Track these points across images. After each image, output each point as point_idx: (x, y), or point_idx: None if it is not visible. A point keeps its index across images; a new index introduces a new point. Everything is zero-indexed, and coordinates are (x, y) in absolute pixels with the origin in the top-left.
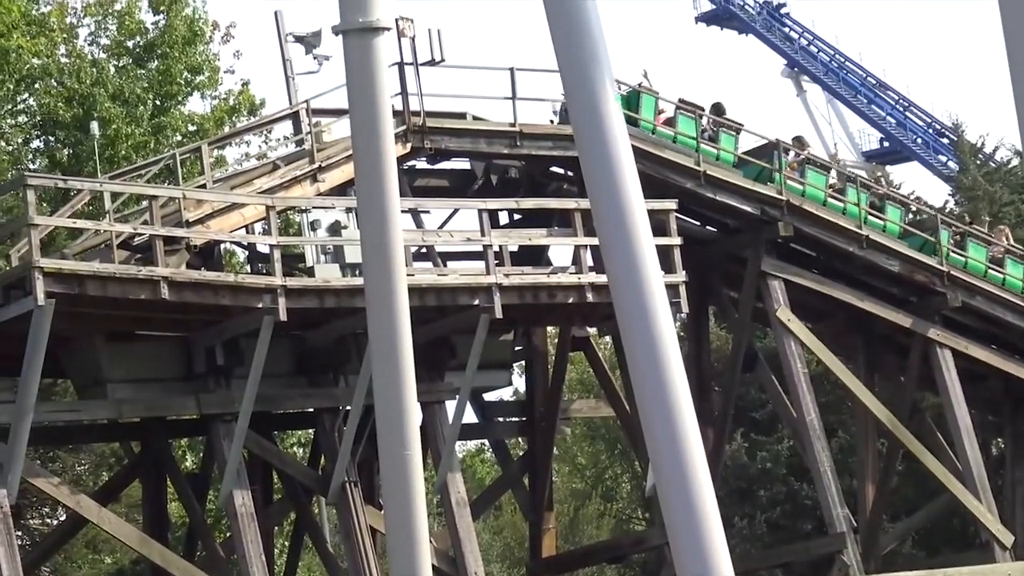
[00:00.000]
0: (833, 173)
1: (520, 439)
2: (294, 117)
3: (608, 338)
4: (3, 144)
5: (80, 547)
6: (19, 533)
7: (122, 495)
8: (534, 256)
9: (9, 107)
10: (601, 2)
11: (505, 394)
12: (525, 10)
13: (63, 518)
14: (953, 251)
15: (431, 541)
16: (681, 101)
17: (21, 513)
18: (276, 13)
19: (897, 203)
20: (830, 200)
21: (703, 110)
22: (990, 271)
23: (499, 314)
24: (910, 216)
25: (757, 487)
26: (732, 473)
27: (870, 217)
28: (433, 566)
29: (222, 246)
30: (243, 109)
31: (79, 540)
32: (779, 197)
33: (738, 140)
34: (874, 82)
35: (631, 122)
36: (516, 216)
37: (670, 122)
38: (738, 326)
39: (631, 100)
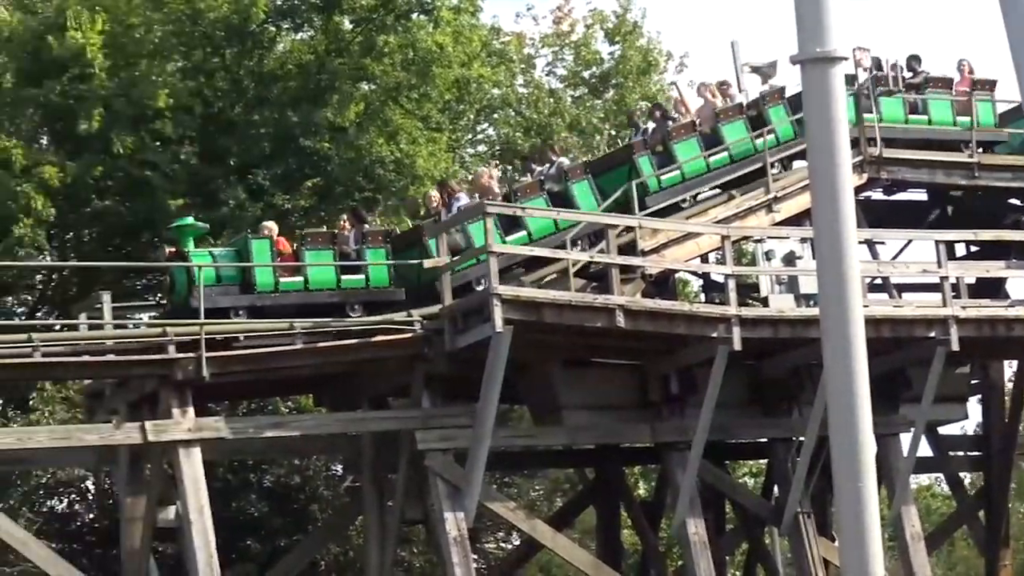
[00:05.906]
0: None
1: (975, 473)
2: None
3: None
4: (464, 172)
5: (534, 571)
6: (475, 556)
7: (576, 521)
8: (991, 288)
9: (470, 136)
10: None
11: (959, 428)
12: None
13: (517, 542)
14: None
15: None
16: None
17: (477, 536)
18: (732, 43)
19: None
20: None
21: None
22: None
23: (956, 347)
24: None
25: None
26: None
27: None
28: None
29: (676, 275)
30: None
31: (532, 564)
32: None
33: None
34: None
35: None
36: (972, 248)
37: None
38: None
39: None
